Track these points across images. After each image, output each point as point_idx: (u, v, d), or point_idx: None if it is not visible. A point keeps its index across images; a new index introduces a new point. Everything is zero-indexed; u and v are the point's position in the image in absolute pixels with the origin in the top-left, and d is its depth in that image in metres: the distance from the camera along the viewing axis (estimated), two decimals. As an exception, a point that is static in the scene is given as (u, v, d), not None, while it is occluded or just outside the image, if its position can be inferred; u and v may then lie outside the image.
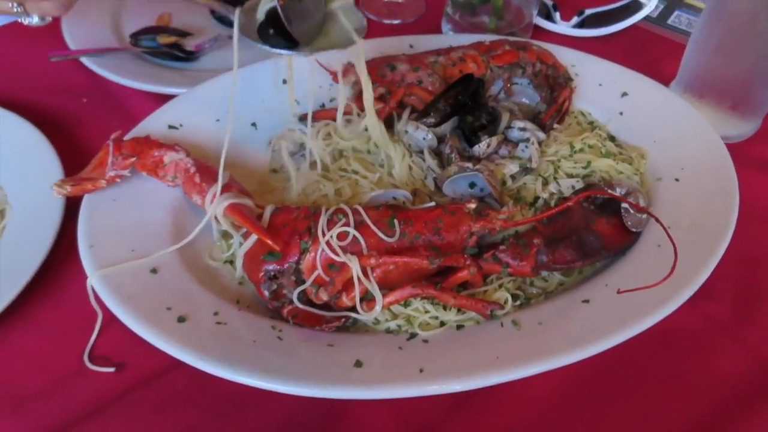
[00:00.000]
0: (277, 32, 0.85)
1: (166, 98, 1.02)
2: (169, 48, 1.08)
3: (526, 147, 0.90)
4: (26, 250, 0.82)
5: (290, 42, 0.85)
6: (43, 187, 0.87)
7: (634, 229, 0.84)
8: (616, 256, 0.83)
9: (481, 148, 0.88)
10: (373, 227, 0.73)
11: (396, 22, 1.26)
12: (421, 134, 0.90)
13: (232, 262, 0.83)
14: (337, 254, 0.72)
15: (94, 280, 0.74)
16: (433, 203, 0.79)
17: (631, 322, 0.72)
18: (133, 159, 0.81)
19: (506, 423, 0.73)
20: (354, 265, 0.70)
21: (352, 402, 0.73)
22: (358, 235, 0.73)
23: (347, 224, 0.73)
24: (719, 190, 0.86)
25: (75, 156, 0.94)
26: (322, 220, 0.73)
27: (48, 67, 1.06)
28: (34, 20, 0.84)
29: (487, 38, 1.04)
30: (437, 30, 1.23)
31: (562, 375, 0.75)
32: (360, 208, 0.75)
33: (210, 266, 0.82)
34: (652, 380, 0.78)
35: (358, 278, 0.70)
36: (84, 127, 1.01)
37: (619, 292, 0.71)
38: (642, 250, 0.83)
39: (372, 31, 1.23)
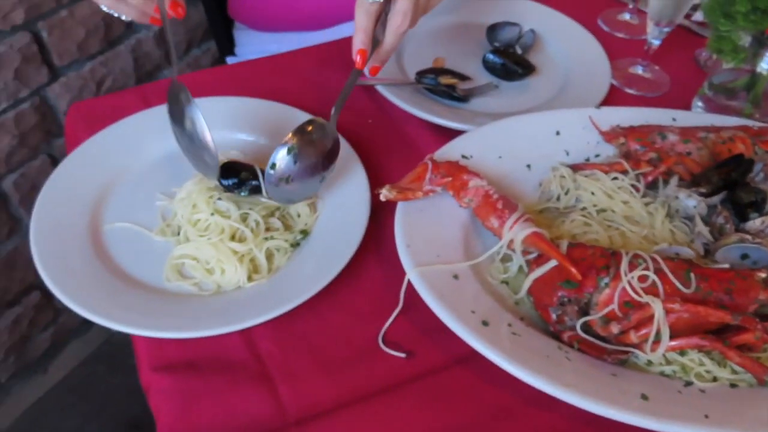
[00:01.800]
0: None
1: (436, 128, 1.16)
2: (446, 88, 1.22)
3: (794, 230, 0.94)
4: (338, 239, 0.95)
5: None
6: (348, 188, 1.02)
7: None
8: None
9: (755, 223, 0.93)
10: (671, 276, 0.80)
11: (637, 92, 1.34)
12: (692, 202, 0.96)
13: (507, 283, 0.92)
14: (638, 294, 0.79)
15: (412, 276, 0.86)
16: (727, 265, 0.85)
17: None
18: (449, 179, 0.94)
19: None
20: (657, 307, 0.77)
21: (617, 428, 0.78)
22: (657, 280, 0.80)
23: (646, 269, 0.81)
24: None
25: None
26: (625, 261, 0.81)
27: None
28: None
29: (755, 124, 1.10)
30: (679, 105, 1.30)
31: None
32: (658, 257, 0.82)
33: (489, 282, 0.92)
34: None
35: (657, 320, 0.77)
36: (367, 141, 1.17)
37: None
38: None
39: (615, 98, 1.32)
